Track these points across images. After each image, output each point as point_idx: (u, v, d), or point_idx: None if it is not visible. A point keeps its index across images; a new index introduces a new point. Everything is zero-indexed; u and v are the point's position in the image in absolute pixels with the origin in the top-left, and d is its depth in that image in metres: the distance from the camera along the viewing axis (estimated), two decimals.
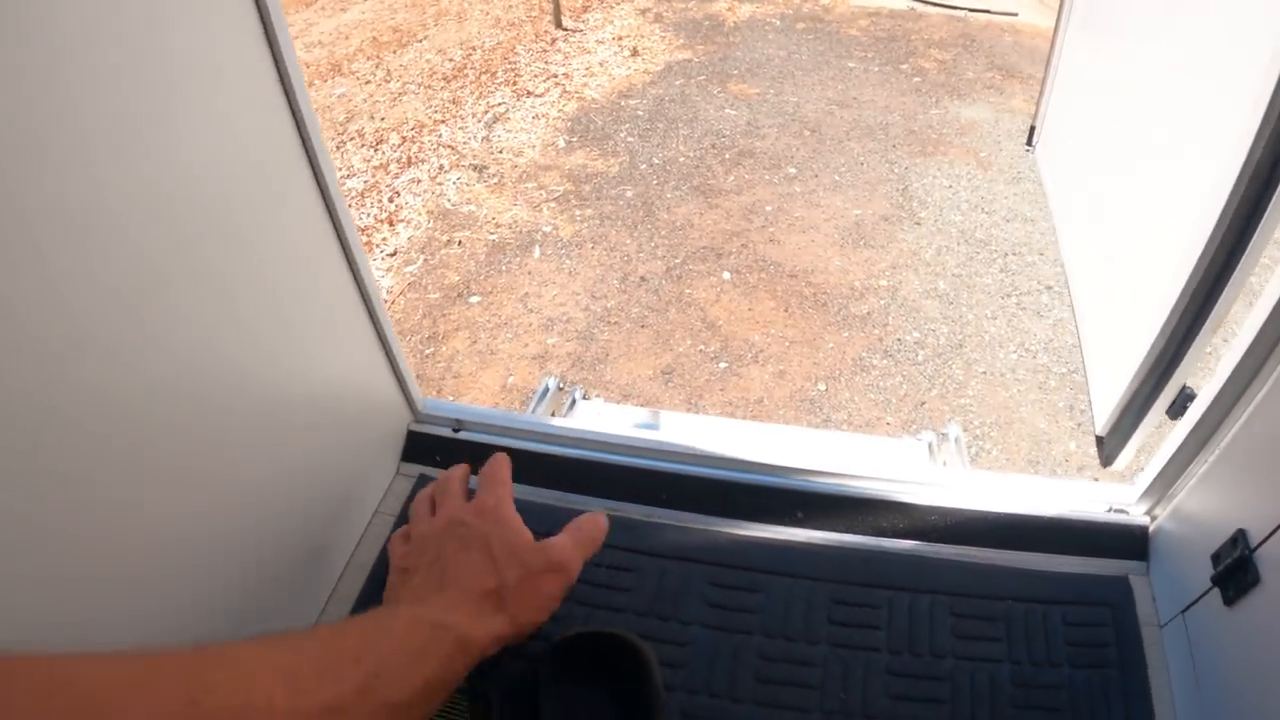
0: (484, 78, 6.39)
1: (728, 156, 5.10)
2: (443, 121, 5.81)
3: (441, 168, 5.23)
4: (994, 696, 0.68)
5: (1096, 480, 3.03)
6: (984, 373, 3.50)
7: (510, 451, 0.89)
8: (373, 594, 0.77)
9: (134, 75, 0.49)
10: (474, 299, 4.09)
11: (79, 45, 0.44)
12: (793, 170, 4.93)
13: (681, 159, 5.10)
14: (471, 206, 4.80)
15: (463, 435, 0.93)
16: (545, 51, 6.76)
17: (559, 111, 5.79)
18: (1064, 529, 0.81)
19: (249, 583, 0.67)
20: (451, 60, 6.79)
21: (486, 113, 5.85)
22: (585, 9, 7.58)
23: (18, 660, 0.35)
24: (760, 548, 0.81)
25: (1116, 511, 0.81)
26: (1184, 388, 1.06)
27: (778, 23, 7.09)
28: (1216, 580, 0.64)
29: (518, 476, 0.76)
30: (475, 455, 0.89)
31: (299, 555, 0.74)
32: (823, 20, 7.12)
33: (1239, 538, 0.62)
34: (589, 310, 3.94)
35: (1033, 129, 2.62)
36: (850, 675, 0.70)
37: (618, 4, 7.66)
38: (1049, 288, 3.95)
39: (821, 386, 3.47)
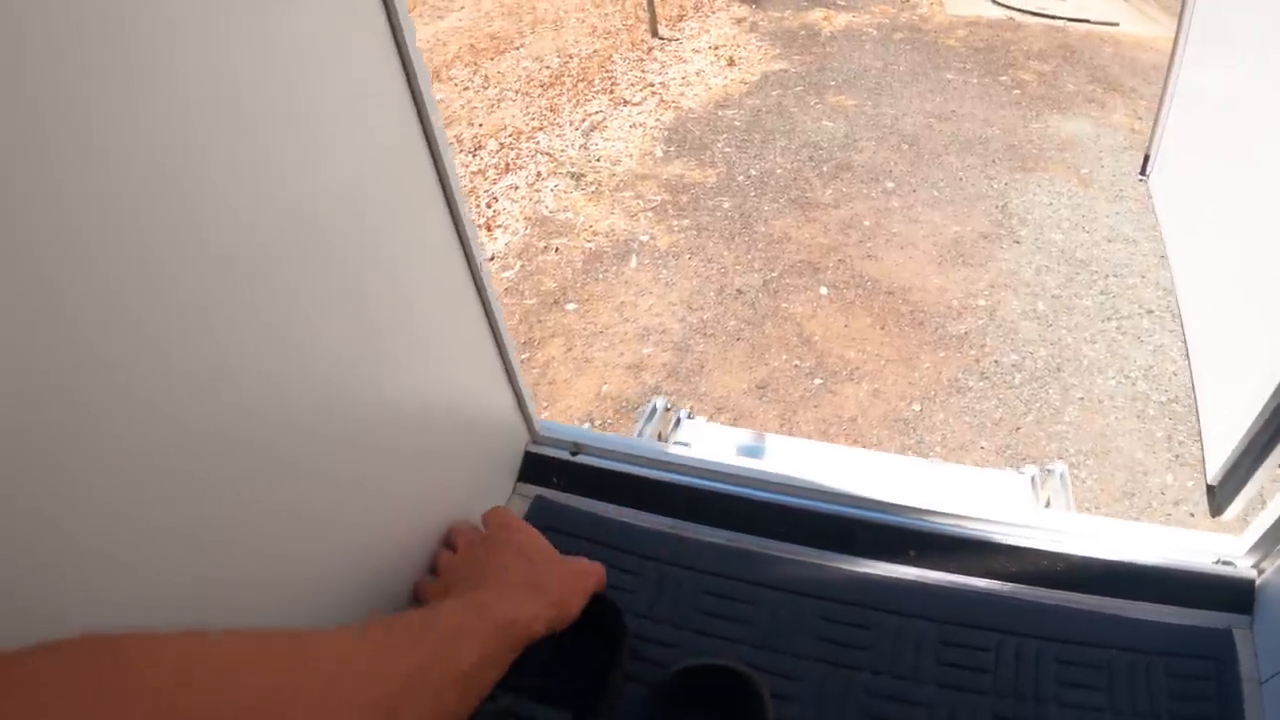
0: (581, 85, 6.52)
1: (825, 169, 5.11)
2: (540, 129, 5.95)
3: (539, 174, 5.37)
4: None
5: (1192, 515, 3.00)
6: (1081, 399, 3.46)
7: (627, 477, 0.94)
8: None
9: (284, 102, 0.50)
10: (570, 306, 4.20)
11: (221, 83, 0.45)
12: (890, 185, 4.92)
13: (779, 171, 5.13)
14: (568, 214, 4.92)
15: (581, 459, 0.94)
16: (642, 60, 6.86)
17: (656, 121, 5.88)
18: (1170, 578, 0.81)
19: (359, 595, 0.68)
20: (549, 68, 6.93)
21: (584, 120, 5.97)
22: (681, 18, 7.65)
23: (129, 638, 0.38)
24: (872, 584, 0.81)
25: (1223, 563, 0.82)
26: None
27: (874, 33, 7.04)
28: None
29: (633, 502, 0.83)
30: (593, 479, 0.94)
31: (410, 571, 0.76)
32: (920, 30, 7.05)
33: None
34: (685, 321, 4.01)
35: (1146, 158, 2.49)
36: (956, 717, 0.70)
37: (713, 13, 7.71)
38: (1150, 312, 3.86)
39: (916, 407, 3.48)
